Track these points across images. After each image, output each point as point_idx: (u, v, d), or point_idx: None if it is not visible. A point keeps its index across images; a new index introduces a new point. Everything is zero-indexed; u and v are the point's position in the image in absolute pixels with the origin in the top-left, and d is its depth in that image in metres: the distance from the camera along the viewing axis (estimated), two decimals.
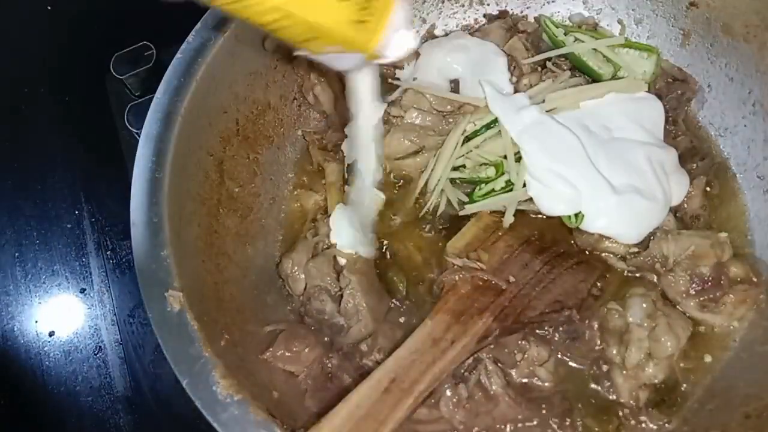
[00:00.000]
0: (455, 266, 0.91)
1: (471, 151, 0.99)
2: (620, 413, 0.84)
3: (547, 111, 0.97)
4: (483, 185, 0.98)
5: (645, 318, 0.85)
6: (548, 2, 1.16)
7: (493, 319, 0.84)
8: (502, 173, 0.97)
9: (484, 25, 1.16)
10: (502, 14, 1.17)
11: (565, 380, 0.87)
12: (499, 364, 0.85)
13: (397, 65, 1.10)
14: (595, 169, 0.92)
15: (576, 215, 0.92)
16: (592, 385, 0.86)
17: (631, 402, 0.84)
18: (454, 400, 0.82)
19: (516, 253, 0.93)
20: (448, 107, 1.03)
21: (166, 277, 0.77)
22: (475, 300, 0.86)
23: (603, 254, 0.94)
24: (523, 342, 0.85)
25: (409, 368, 0.77)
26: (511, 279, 0.89)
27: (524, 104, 0.97)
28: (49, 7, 1.43)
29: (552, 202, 0.94)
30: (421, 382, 0.76)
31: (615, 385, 0.85)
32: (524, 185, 0.95)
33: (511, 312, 0.86)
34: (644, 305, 0.86)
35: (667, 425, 0.83)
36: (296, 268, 0.94)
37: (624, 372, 0.84)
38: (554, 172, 0.93)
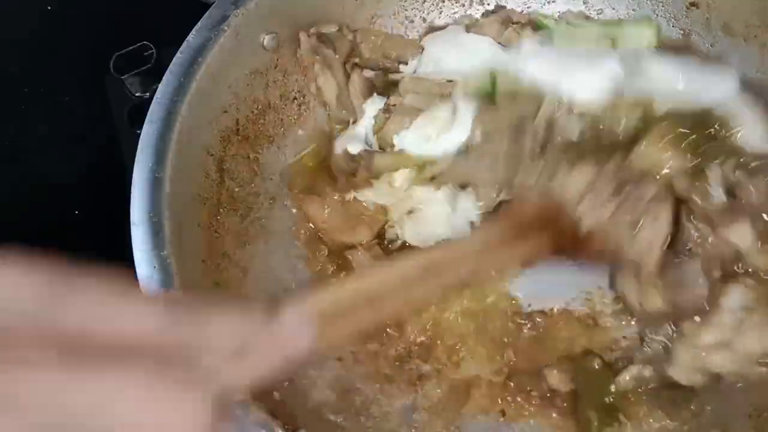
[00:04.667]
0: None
1: None
2: (620, 412, 0.84)
3: None
4: None
5: (740, 307, 0.77)
6: (548, 2, 1.16)
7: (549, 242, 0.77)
8: None
9: (478, 21, 1.16)
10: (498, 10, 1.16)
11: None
12: None
13: (401, 60, 1.10)
14: None
15: None
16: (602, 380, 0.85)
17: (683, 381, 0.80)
18: None
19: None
20: (448, 90, 1.01)
21: (167, 277, 0.77)
22: (537, 223, 0.79)
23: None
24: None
25: (447, 262, 0.68)
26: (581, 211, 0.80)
27: None
28: (49, 7, 1.43)
29: None
30: (454, 276, 0.69)
31: (674, 357, 0.79)
32: None
33: (569, 242, 0.79)
34: (748, 295, 0.76)
35: (666, 425, 0.83)
36: None
37: (692, 349, 0.78)
38: None
